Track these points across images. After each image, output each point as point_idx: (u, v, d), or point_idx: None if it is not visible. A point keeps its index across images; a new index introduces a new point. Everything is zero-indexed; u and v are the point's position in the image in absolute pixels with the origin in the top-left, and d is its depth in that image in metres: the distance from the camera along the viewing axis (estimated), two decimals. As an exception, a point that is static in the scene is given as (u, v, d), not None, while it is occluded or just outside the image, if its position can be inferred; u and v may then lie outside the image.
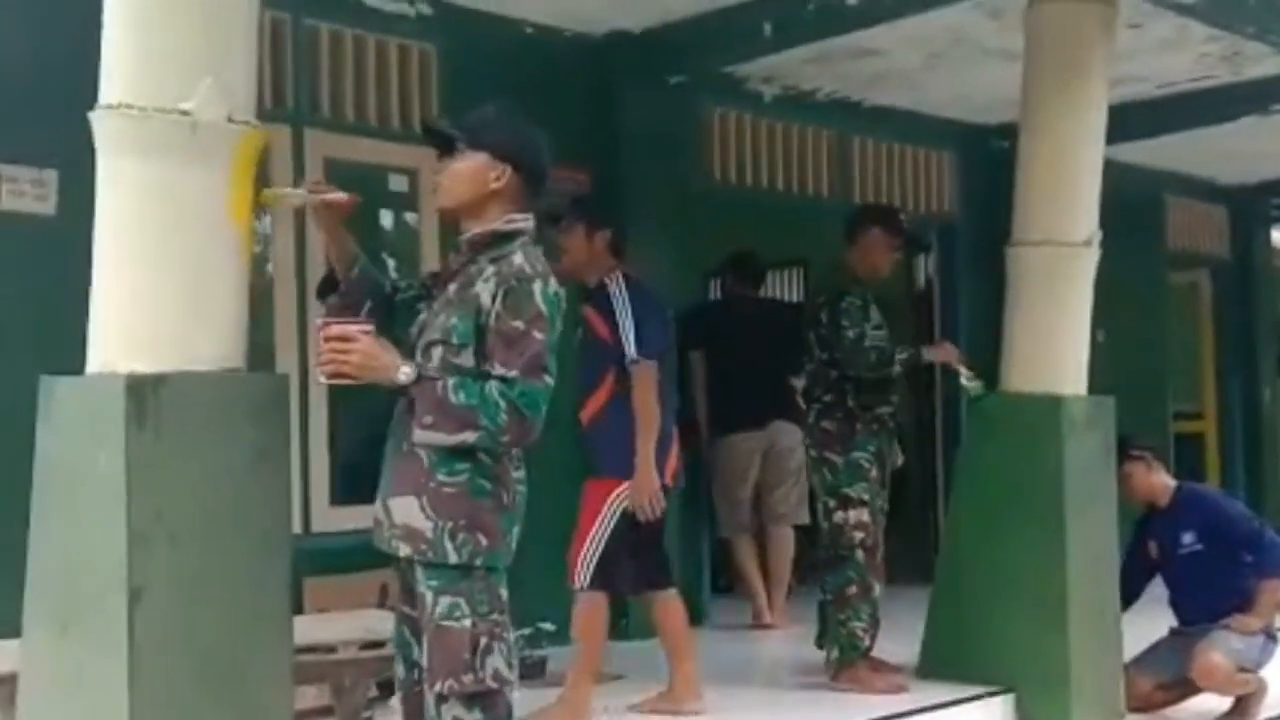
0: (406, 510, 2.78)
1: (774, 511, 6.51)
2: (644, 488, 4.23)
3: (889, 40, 6.10)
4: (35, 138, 4.40)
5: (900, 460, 5.24)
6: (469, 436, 2.70)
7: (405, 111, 5.60)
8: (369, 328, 2.75)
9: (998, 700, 4.84)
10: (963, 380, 5.16)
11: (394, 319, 3.01)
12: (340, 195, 2.90)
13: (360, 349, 2.71)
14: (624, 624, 6.00)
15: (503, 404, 2.68)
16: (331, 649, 3.81)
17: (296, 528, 5.17)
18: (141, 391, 2.70)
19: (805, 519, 6.31)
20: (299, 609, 4.84)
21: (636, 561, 4.38)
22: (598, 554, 4.30)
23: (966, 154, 7.81)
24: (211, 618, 2.76)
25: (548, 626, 5.55)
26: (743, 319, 6.72)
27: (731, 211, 7.19)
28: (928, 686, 4.92)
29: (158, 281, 2.80)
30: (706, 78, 6.47)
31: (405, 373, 2.72)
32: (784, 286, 11.35)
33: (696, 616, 6.42)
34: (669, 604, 4.53)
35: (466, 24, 5.72)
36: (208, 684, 2.76)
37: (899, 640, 5.19)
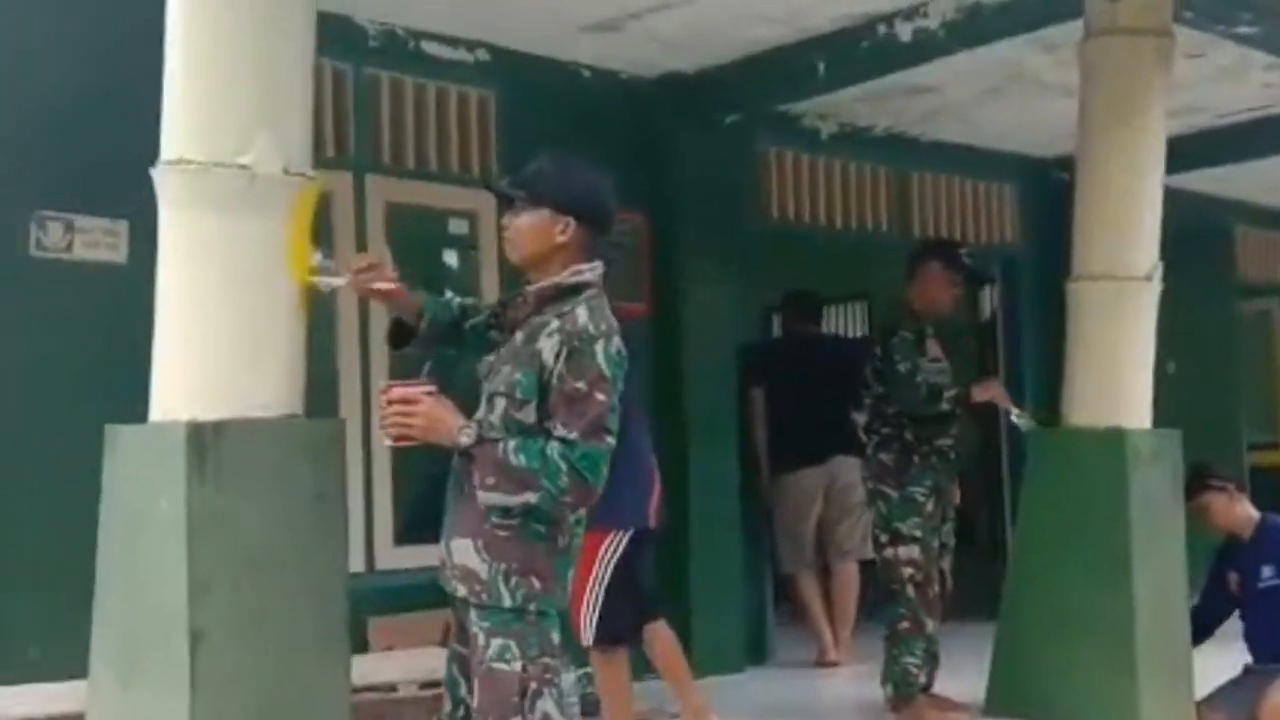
0: (464, 552, 2.81)
1: (839, 548, 6.49)
2: None
3: (944, 76, 6.10)
4: (108, 189, 4.53)
5: (957, 498, 5.19)
6: (530, 497, 2.71)
7: (464, 156, 5.70)
8: (431, 389, 2.78)
9: (1065, 739, 4.76)
10: (1013, 418, 5.14)
11: (464, 348, 3.04)
12: (387, 285, 2.91)
13: (423, 411, 2.74)
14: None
15: (563, 466, 2.68)
16: (393, 688, 3.85)
17: (361, 566, 5.29)
18: (201, 438, 2.77)
19: (870, 554, 6.28)
20: (363, 648, 4.94)
21: (629, 604, 4.35)
22: (597, 608, 4.28)
23: (1027, 186, 7.77)
24: (271, 659, 2.82)
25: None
26: (802, 355, 6.74)
27: (791, 249, 7.22)
28: (993, 726, 4.87)
29: (217, 331, 2.88)
30: (761, 117, 6.50)
31: (467, 434, 2.74)
32: (847, 321, 11.36)
33: (760, 654, 6.43)
34: (659, 634, 4.55)
35: (524, 69, 5.82)
36: (269, 724, 2.81)
37: (965, 677, 5.13)
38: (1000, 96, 6.54)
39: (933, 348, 5.04)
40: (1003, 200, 7.87)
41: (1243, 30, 5.40)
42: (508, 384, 2.80)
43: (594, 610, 4.27)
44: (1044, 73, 6.07)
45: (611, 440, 2.75)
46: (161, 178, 2.93)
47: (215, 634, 2.75)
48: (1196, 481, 5.10)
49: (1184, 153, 7.15)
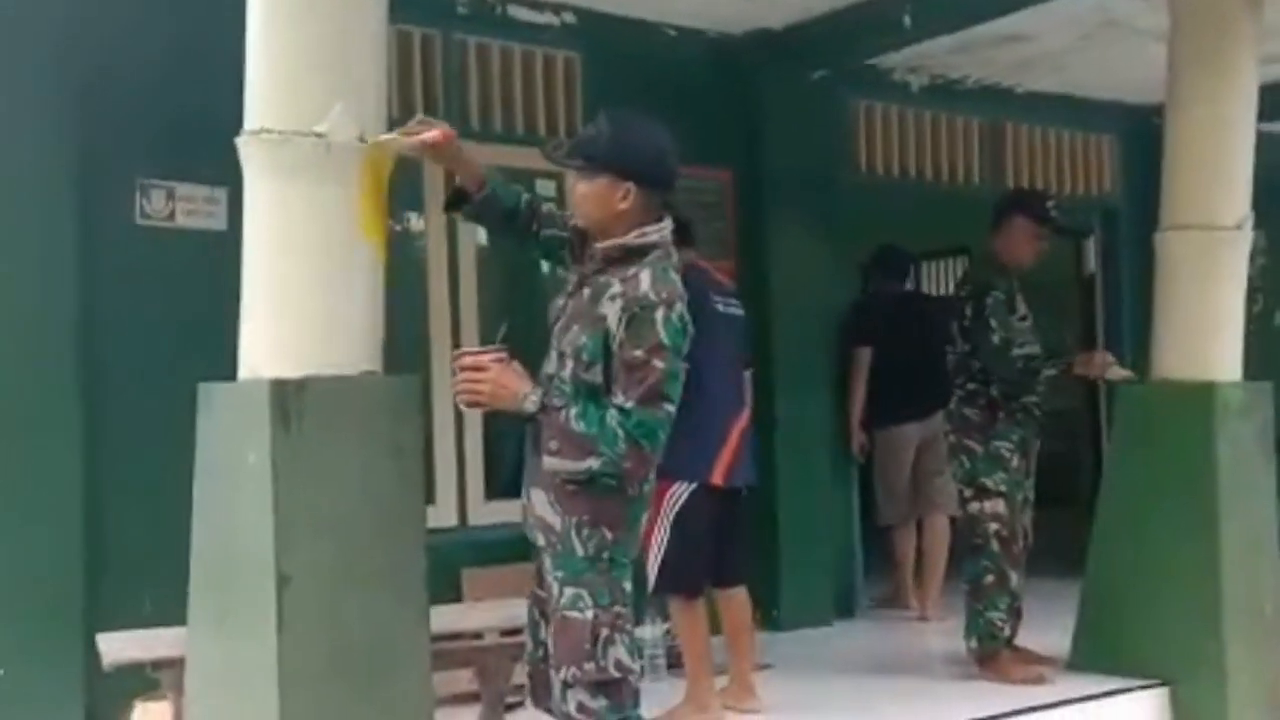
0: (541, 504, 2.92)
1: (932, 500, 6.51)
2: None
3: (1035, 25, 6.00)
4: (207, 158, 4.68)
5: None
6: (593, 463, 2.78)
7: (551, 119, 5.78)
8: (501, 355, 2.88)
9: (1151, 693, 4.75)
10: (1120, 379, 5.05)
11: (525, 243, 3.10)
12: (433, 133, 2.94)
13: (492, 378, 2.84)
14: (775, 615, 6.10)
15: (621, 433, 2.75)
16: (478, 635, 4.00)
17: (454, 521, 5.47)
18: (284, 395, 2.91)
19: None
20: (458, 597, 5.12)
21: (692, 558, 4.38)
22: (660, 557, 4.34)
23: (1127, 136, 7.61)
24: (353, 605, 2.96)
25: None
26: (901, 312, 6.73)
27: (884, 204, 7.17)
28: (1077, 678, 4.86)
29: (299, 293, 3.01)
30: (850, 71, 6.48)
31: (532, 401, 2.83)
32: (949, 276, 11.23)
33: (849, 607, 6.48)
34: (731, 604, 4.57)
35: (609, 30, 5.87)
36: (350, 667, 2.95)
37: (1051, 633, 5.13)
38: (1093, 44, 6.40)
39: (1020, 304, 4.96)
40: (1101, 150, 7.72)
41: (1343, -31, 5.22)
42: (574, 346, 2.87)
43: (658, 558, 4.35)
44: (1137, 18, 5.93)
45: (670, 407, 2.81)
46: (245, 147, 3.06)
47: (300, 579, 2.89)
48: None
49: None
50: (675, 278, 2.90)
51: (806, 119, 6.30)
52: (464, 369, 2.86)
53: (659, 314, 2.79)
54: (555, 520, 2.89)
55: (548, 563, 2.93)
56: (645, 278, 2.84)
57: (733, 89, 6.20)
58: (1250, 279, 7.83)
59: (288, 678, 2.87)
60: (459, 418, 5.40)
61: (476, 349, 2.94)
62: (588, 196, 2.93)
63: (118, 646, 3.68)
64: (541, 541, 2.94)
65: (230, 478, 3.03)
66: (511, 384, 2.85)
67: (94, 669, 3.98)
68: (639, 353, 2.78)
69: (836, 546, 6.44)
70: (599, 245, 2.94)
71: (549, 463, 2.83)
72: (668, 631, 5.26)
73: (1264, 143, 7.10)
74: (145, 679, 3.73)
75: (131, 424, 4.64)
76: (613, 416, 2.77)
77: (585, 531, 2.87)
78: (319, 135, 2.98)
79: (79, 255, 4.60)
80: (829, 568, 6.33)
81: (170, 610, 3.37)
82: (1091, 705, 4.66)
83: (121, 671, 3.70)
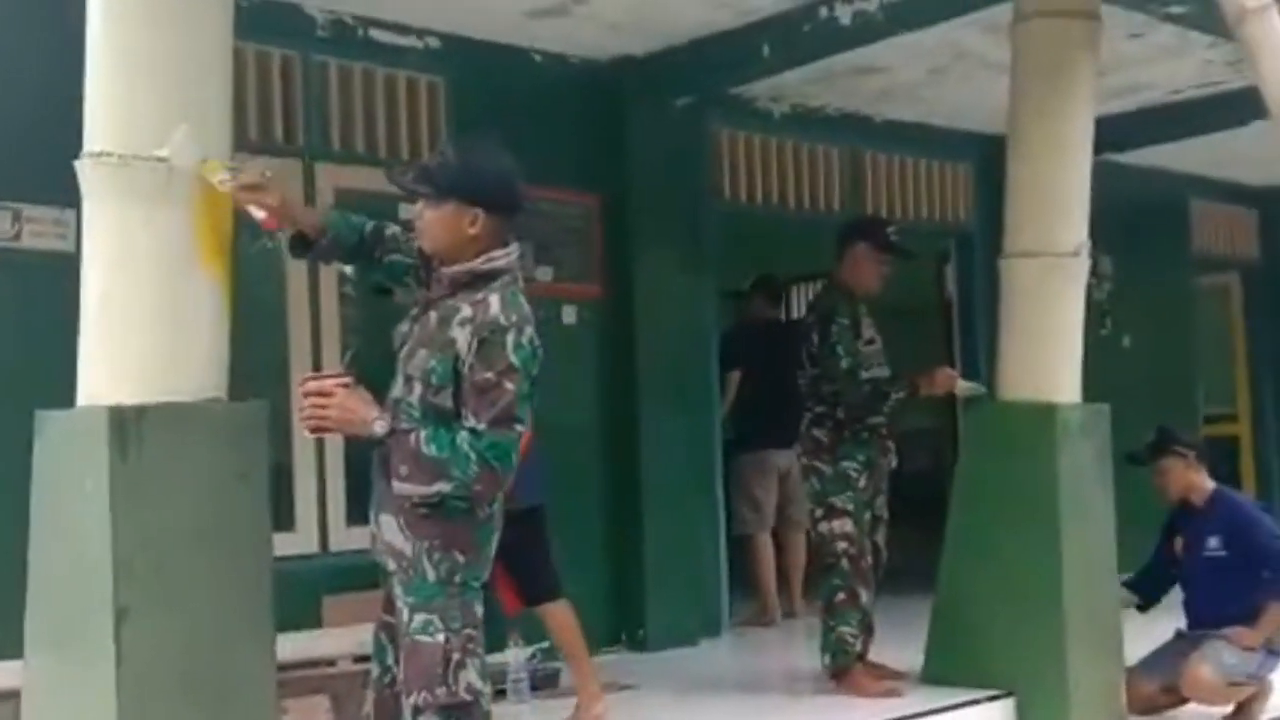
0: (390, 529, 2.92)
1: (791, 520, 6.69)
2: None
3: (890, 57, 6.20)
4: (55, 179, 4.58)
5: (894, 463, 5.27)
6: (443, 487, 2.79)
7: (415, 142, 5.78)
8: (347, 380, 2.87)
9: (998, 704, 4.89)
10: (966, 392, 5.24)
11: (372, 270, 3.11)
12: (260, 214, 2.94)
13: (338, 403, 2.84)
14: (641, 635, 6.15)
15: (473, 456, 2.77)
16: (331, 662, 3.97)
17: (314, 547, 5.41)
18: (124, 422, 2.88)
19: None
20: (319, 624, 5.06)
21: (519, 576, 4.49)
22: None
23: (981, 164, 7.85)
24: (194, 635, 2.93)
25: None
26: (764, 340, 6.91)
27: (749, 228, 7.30)
28: (929, 691, 4.99)
29: (139, 318, 2.98)
30: (714, 98, 6.59)
31: (381, 425, 2.83)
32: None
33: (716, 627, 6.56)
34: (554, 616, 4.66)
35: (474, 55, 5.90)
36: (192, 700, 2.92)
37: (911, 647, 5.27)
38: (947, 76, 6.63)
39: (867, 328, 5.10)
40: (957, 178, 7.97)
41: (1175, 10, 5.50)
42: (423, 370, 2.88)
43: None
44: (988, 53, 6.15)
45: (521, 428, 2.84)
46: (84, 170, 3.02)
47: (139, 610, 2.85)
48: (1161, 444, 5.23)
49: (1134, 130, 7.33)
50: (524, 302, 2.93)
51: (671, 145, 6.40)
52: (309, 394, 2.85)
53: (509, 338, 2.82)
54: (405, 545, 2.89)
55: (398, 588, 2.93)
56: (495, 302, 2.87)
57: (599, 115, 6.27)
58: (1100, 303, 8.22)
59: (127, 713, 2.83)
60: (320, 443, 5.35)
61: (321, 374, 2.93)
62: (435, 223, 2.94)
63: (-48, 681, 3.57)
64: (392, 567, 2.93)
65: (67, 507, 2.98)
66: (358, 409, 2.85)
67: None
68: (490, 375, 2.80)
69: (703, 567, 6.52)
70: (446, 270, 2.95)
71: (399, 487, 2.83)
72: (532, 656, 5.28)
73: (1113, 173, 7.46)
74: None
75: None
76: (464, 439, 2.78)
77: (436, 555, 2.88)
78: (160, 159, 2.95)
79: (-81, 277, 4.47)
80: (695, 588, 6.40)
81: (8, 644, 3.28)
82: (941, 718, 4.78)
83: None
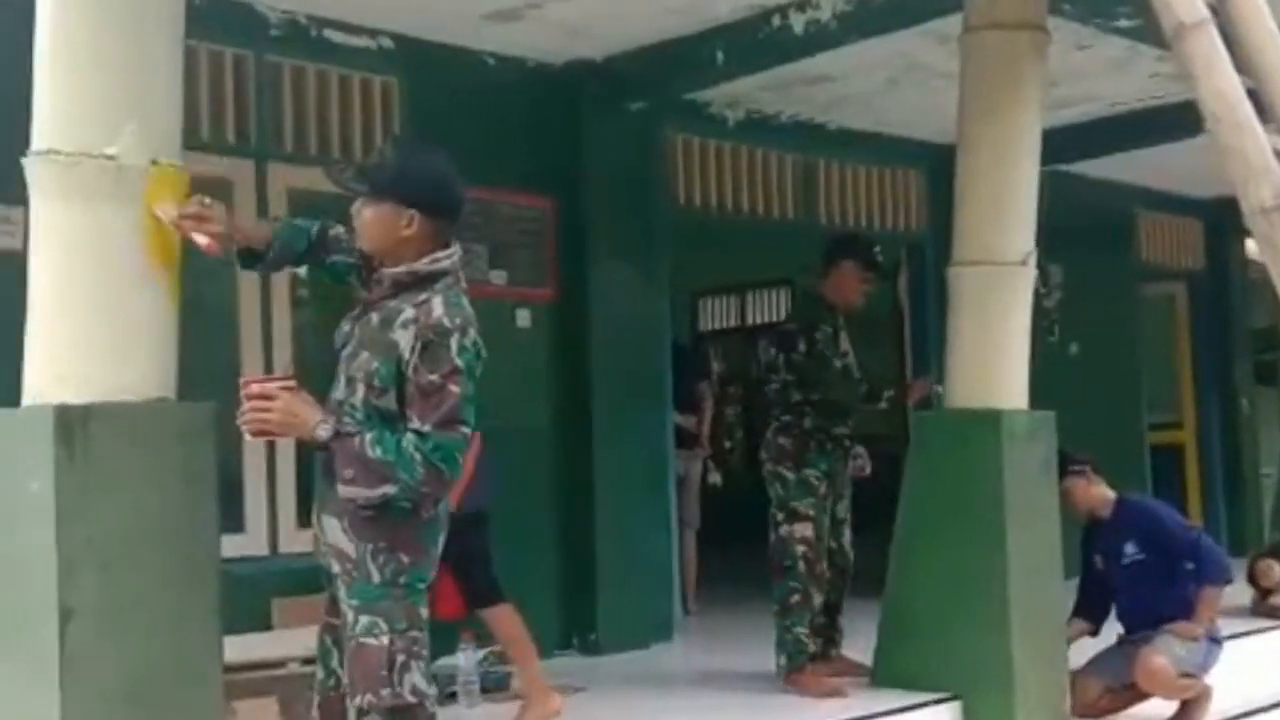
0: (334, 530, 2.91)
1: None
2: None
3: (842, 66, 6.26)
4: (2, 176, 4.58)
5: (868, 469, 5.42)
6: (389, 490, 2.78)
7: (368, 143, 5.75)
8: (289, 384, 2.85)
9: (945, 707, 4.94)
10: (938, 394, 5.40)
11: (320, 272, 3.12)
12: (203, 240, 2.93)
13: (280, 406, 2.81)
14: (593, 638, 6.16)
15: (418, 458, 2.76)
16: (280, 664, 3.95)
17: (264, 549, 5.39)
18: (69, 422, 2.85)
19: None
20: (269, 626, 5.03)
21: (463, 581, 4.54)
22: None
23: (932, 172, 7.92)
24: (141, 638, 2.90)
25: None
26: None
27: (703, 234, 7.35)
28: (878, 694, 5.04)
29: (87, 317, 2.96)
30: (668, 104, 6.62)
31: (324, 429, 2.82)
32: (771, 306, 11.54)
33: (668, 628, 6.57)
34: (498, 619, 4.71)
35: (428, 57, 5.89)
36: (137, 703, 2.89)
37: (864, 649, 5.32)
38: (899, 86, 6.70)
39: (844, 341, 5.29)
40: (909, 187, 8.04)
41: (1123, 24, 5.59)
42: (365, 372, 2.87)
43: None
44: (939, 63, 6.21)
45: (466, 430, 2.83)
46: (31, 168, 3.00)
47: (84, 613, 2.83)
48: (1058, 467, 5.26)
49: (1081, 141, 7.42)
50: (467, 304, 2.93)
51: (625, 150, 6.42)
52: (251, 398, 2.83)
53: (454, 340, 2.82)
54: (350, 547, 2.88)
55: (342, 590, 2.93)
56: (438, 304, 2.86)
57: (553, 118, 6.28)
58: (1048, 311, 8.33)
59: (70, 715, 2.80)
60: (270, 445, 5.32)
61: (263, 377, 2.91)
62: (372, 222, 2.94)
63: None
64: (336, 569, 2.92)
65: (12, 507, 2.95)
66: (301, 412, 2.83)
67: None
68: (435, 377, 2.80)
69: (655, 570, 6.53)
70: (388, 271, 2.94)
71: (345, 490, 2.82)
72: (483, 659, 5.28)
73: (1063, 183, 7.56)
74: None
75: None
76: (410, 442, 2.78)
77: (381, 558, 2.87)
78: (109, 157, 2.93)
79: None
80: (647, 590, 6.41)
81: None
82: (888, 720, 4.83)
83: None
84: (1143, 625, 5.22)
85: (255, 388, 2.84)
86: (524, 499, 5.84)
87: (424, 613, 2.95)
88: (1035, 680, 4.92)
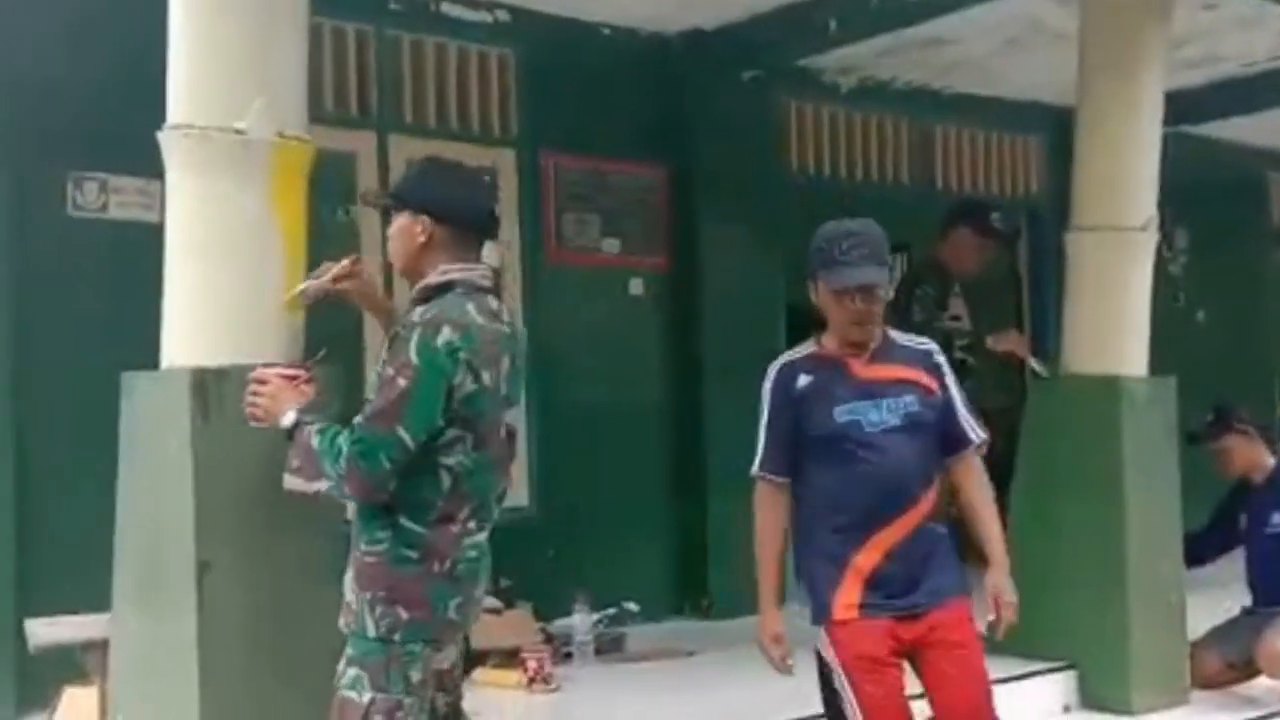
0: (346, 582, 2.77)
1: None
2: None
3: (960, 29, 6.17)
4: (141, 150, 4.70)
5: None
6: (322, 485, 2.66)
7: (485, 115, 5.88)
8: (293, 373, 2.82)
9: (1061, 675, 4.91)
10: (1033, 365, 5.29)
11: None
12: (355, 291, 2.99)
13: (268, 392, 2.76)
14: (705, 603, 6.23)
15: (343, 451, 2.61)
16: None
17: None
18: (204, 384, 3.00)
19: None
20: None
21: None
22: None
23: (1051, 137, 7.76)
24: (269, 589, 3.04)
25: (631, 607, 5.82)
26: None
27: (816, 201, 7.29)
28: (994, 660, 4.98)
29: (219, 285, 3.09)
30: (781, 72, 6.61)
31: (288, 419, 2.71)
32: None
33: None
34: None
35: (543, 28, 5.96)
36: (269, 652, 3.04)
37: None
38: (1019, 48, 6.57)
39: (955, 305, 5.27)
40: (1028, 152, 7.90)
41: (1250, -19, 5.43)
42: (369, 384, 2.79)
43: None
44: (1060, 24, 6.09)
45: (402, 432, 2.60)
46: (166, 142, 3.14)
47: (219, 564, 2.98)
48: (1220, 423, 5.20)
49: (1210, 102, 7.22)
50: (472, 309, 2.72)
51: (738, 118, 6.43)
52: (253, 382, 2.81)
53: (415, 334, 2.65)
54: (353, 597, 2.72)
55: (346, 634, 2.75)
56: (434, 307, 2.71)
57: (667, 87, 6.32)
58: (1174, 277, 8.12)
59: (208, 663, 2.96)
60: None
61: (273, 364, 2.87)
62: (394, 235, 2.86)
63: (44, 631, 3.74)
64: (342, 622, 2.75)
65: (152, 465, 3.11)
66: (281, 399, 2.75)
67: (24, 658, 4.03)
68: (389, 370, 2.66)
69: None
70: (411, 291, 2.82)
71: (288, 480, 2.72)
72: (597, 621, 5.39)
73: (1189, 145, 7.34)
74: (75, 667, 3.78)
75: (62, 413, 4.68)
76: (342, 435, 2.65)
77: (379, 609, 2.67)
78: (238, 131, 3.06)
79: (10, 247, 4.64)
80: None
81: (99, 597, 3.43)
82: (1004, 688, 4.80)
83: (52, 660, 3.76)
84: (1273, 600, 5.09)
85: (258, 372, 2.81)
86: (637, 468, 5.92)
87: (414, 676, 2.68)
88: (1153, 651, 4.86)
